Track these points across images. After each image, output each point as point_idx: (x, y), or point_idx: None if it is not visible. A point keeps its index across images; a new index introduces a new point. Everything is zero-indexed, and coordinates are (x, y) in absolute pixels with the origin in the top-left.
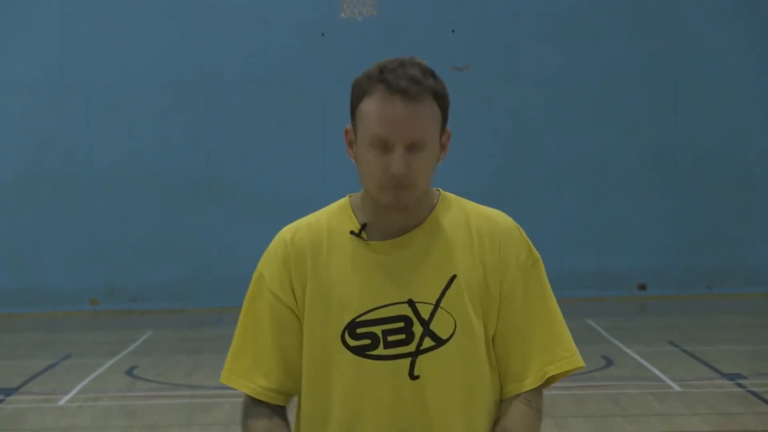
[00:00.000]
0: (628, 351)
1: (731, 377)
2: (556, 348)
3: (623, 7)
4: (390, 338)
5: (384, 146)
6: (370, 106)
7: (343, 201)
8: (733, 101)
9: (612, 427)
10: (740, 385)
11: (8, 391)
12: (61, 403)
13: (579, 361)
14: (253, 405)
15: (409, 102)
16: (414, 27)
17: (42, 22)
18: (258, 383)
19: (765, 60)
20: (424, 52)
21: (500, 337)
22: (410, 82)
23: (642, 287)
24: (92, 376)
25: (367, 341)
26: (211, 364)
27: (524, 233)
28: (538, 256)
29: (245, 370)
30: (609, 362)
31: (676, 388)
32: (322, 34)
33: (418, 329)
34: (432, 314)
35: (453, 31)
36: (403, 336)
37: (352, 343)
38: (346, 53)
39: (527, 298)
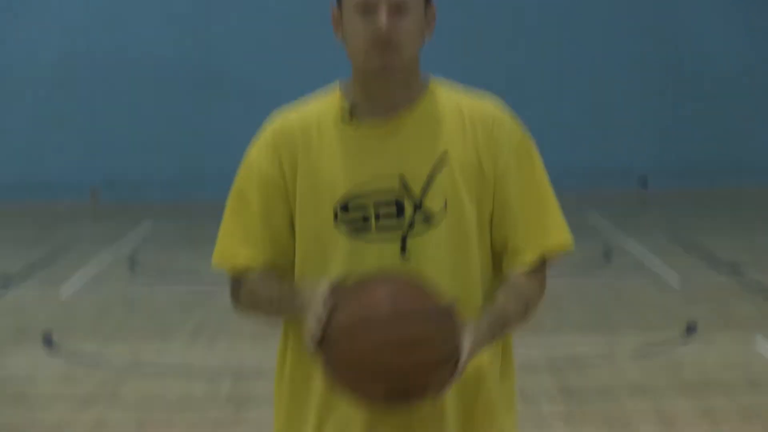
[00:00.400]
0: (629, 244)
1: (730, 269)
2: (551, 227)
3: None
4: (381, 218)
5: (367, 9)
6: None
7: (332, 85)
8: (731, 8)
9: (612, 318)
10: (739, 276)
11: (9, 280)
12: (63, 291)
13: (571, 240)
14: (240, 273)
15: None
16: None
17: None
18: (246, 256)
19: None
20: None
21: (497, 218)
22: None
23: (643, 181)
24: (93, 265)
25: (360, 221)
26: (210, 254)
27: (515, 116)
28: (531, 138)
29: (233, 247)
30: (609, 256)
31: (676, 280)
32: None
33: (408, 208)
34: (423, 192)
35: None
36: (393, 215)
37: (343, 223)
38: None
39: (521, 178)
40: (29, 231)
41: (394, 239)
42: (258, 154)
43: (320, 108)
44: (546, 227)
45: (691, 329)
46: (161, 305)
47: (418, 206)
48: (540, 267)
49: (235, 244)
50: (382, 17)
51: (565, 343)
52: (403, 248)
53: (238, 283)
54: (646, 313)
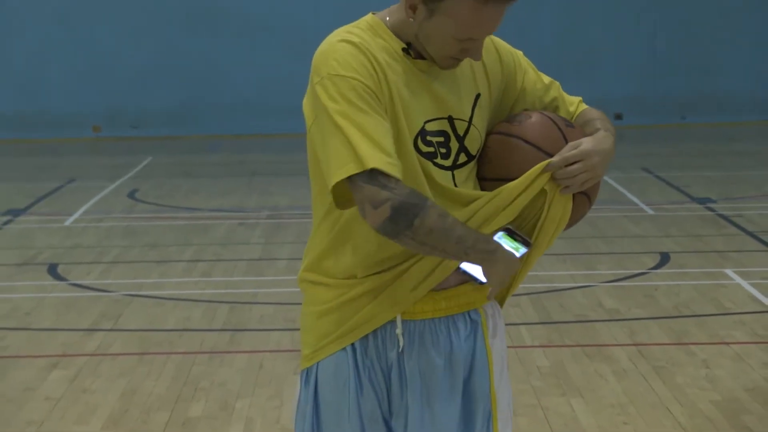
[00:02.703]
0: (605, 176)
1: (701, 201)
2: (573, 97)
3: None
4: (440, 150)
5: (470, 39)
6: (464, 8)
7: (373, 21)
8: None
9: (589, 248)
10: (710, 209)
11: (16, 212)
12: (67, 223)
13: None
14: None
15: (501, 5)
16: None
17: None
18: (386, 159)
19: None
20: None
21: (532, 104)
22: None
23: (618, 116)
24: (95, 198)
25: (431, 150)
26: (208, 187)
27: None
28: (516, 49)
29: (384, 149)
30: None
31: (649, 211)
32: None
33: (454, 145)
34: (466, 131)
35: None
36: (444, 150)
37: (424, 149)
38: None
39: (537, 82)
40: (34, 164)
41: (444, 171)
42: (352, 72)
43: (377, 42)
44: (568, 100)
45: (664, 258)
46: (160, 236)
47: (462, 146)
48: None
49: (387, 145)
50: (480, 52)
51: (544, 273)
52: (453, 178)
53: (403, 207)
54: (621, 243)
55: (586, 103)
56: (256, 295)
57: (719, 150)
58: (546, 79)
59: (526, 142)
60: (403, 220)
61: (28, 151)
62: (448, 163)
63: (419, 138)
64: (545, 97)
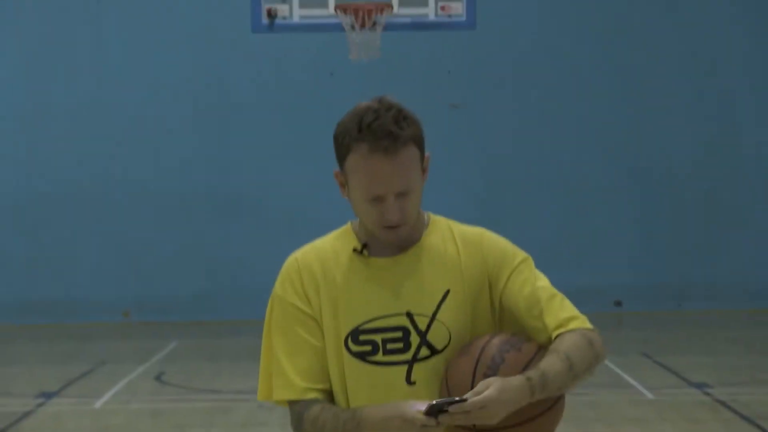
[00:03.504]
0: (605, 361)
1: (699, 386)
2: (568, 312)
3: (599, 43)
4: (389, 346)
5: (377, 199)
6: (356, 164)
7: (345, 227)
8: (697, 127)
9: (591, 430)
10: (707, 394)
11: (49, 394)
12: (97, 405)
13: (588, 323)
14: (299, 403)
15: (391, 158)
16: (414, 68)
17: (78, 51)
18: (306, 388)
19: (708, 87)
20: (423, 91)
21: (509, 320)
22: (388, 139)
23: (618, 303)
24: (124, 381)
25: (368, 348)
26: (231, 370)
27: (508, 241)
28: (526, 255)
29: (292, 383)
30: None
31: (649, 395)
32: (331, 74)
33: (415, 339)
34: (428, 326)
35: (449, 72)
36: (401, 345)
37: (355, 348)
38: (353, 89)
39: (525, 283)
40: (66, 348)
41: (400, 366)
42: (284, 292)
43: (335, 245)
44: (566, 312)
45: None
46: (186, 418)
47: (423, 340)
48: (570, 327)
49: (295, 378)
50: (392, 211)
51: None
52: (409, 373)
53: (299, 415)
54: (621, 426)
55: (588, 292)
56: None
57: (714, 336)
58: (543, 291)
59: (446, 382)
60: (296, 430)
61: (61, 335)
62: (406, 356)
63: (349, 338)
64: (532, 309)
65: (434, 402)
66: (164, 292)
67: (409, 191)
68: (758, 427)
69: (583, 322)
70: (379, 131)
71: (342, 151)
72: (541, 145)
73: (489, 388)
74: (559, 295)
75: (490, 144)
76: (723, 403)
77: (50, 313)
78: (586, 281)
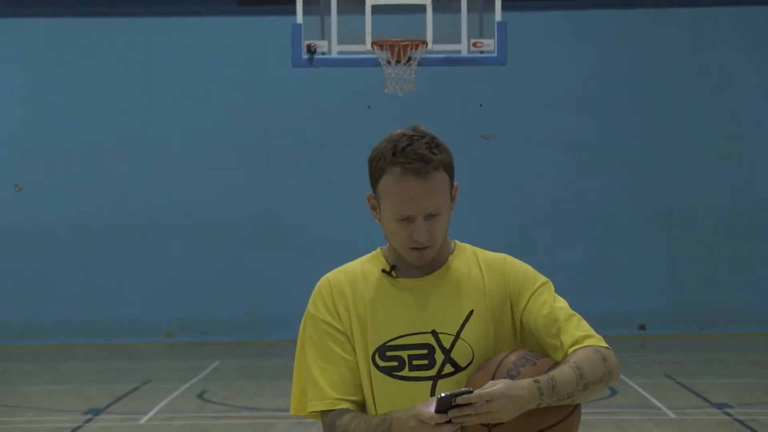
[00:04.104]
0: (630, 382)
1: (719, 406)
2: (584, 331)
3: (625, 82)
4: (414, 362)
5: (407, 219)
6: (389, 186)
7: (375, 251)
8: (718, 168)
9: None
10: (727, 414)
11: (96, 411)
12: (142, 422)
13: (604, 342)
14: (330, 413)
15: (422, 181)
16: (447, 101)
17: (130, 89)
18: (338, 398)
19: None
20: (456, 122)
21: (529, 340)
22: (421, 162)
23: (642, 327)
24: (168, 398)
25: (395, 363)
26: (270, 389)
27: (530, 266)
28: (546, 279)
29: (325, 395)
30: (614, 392)
31: (672, 415)
32: (368, 107)
33: (439, 357)
34: (452, 344)
35: (480, 105)
36: (426, 361)
37: (382, 364)
38: (389, 121)
39: (544, 305)
40: (113, 367)
41: (425, 381)
42: (317, 309)
43: (365, 267)
44: (582, 332)
45: None
46: None
47: (448, 358)
48: (584, 343)
49: (328, 390)
50: (420, 232)
51: None
52: (434, 389)
53: (331, 422)
54: None
55: (611, 316)
56: None
57: (734, 359)
58: (561, 312)
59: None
60: None
61: (109, 355)
62: (431, 373)
63: (377, 354)
64: (550, 328)
65: (442, 395)
66: (207, 313)
67: (437, 214)
68: None
69: (598, 341)
70: (412, 155)
71: (376, 173)
72: (568, 179)
73: (496, 385)
74: (577, 316)
75: (519, 175)
76: (742, 423)
77: (99, 334)
78: (610, 306)
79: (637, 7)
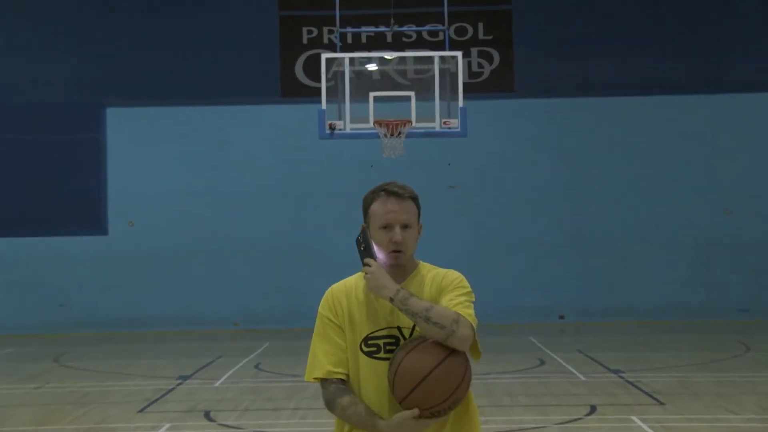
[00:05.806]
0: (554, 356)
1: (615, 371)
2: (463, 308)
3: (550, 149)
4: (387, 347)
5: (388, 227)
6: (377, 206)
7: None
8: (613, 204)
9: (543, 402)
10: (621, 377)
11: (185, 377)
12: (216, 384)
13: (472, 319)
14: (331, 385)
15: (400, 201)
16: (425, 162)
17: (211, 156)
18: (333, 371)
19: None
20: (431, 177)
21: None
22: (399, 191)
23: (562, 317)
24: (234, 368)
25: (374, 348)
26: (305, 362)
27: (464, 279)
28: (469, 290)
29: (322, 366)
30: (542, 363)
31: (582, 378)
32: (371, 166)
33: (402, 342)
34: (410, 334)
35: (449, 164)
36: (394, 347)
37: (366, 349)
38: (386, 175)
39: (450, 301)
40: (196, 347)
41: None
42: (323, 309)
43: (357, 280)
44: (453, 306)
45: (591, 409)
46: (275, 393)
47: None
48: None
49: (325, 363)
50: (397, 235)
51: (514, 418)
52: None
53: (332, 397)
54: (564, 398)
55: (541, 309)
56: None
57: (626, 339)
58: (459, 300)
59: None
60: (329, 407)
61: (193, 338)
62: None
63: (362, 343)
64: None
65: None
66: (261, 309)
67: (410, 226)
68: (655, 399)
69: (467, 315)
70: (393, 188)
71: (366, 204)
72: (511, 215)
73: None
74: (468, 303)
75: (475, 213)
76: (631, 383)
77: (188, 323)
78: (541, 301)
79: (560, 96)
